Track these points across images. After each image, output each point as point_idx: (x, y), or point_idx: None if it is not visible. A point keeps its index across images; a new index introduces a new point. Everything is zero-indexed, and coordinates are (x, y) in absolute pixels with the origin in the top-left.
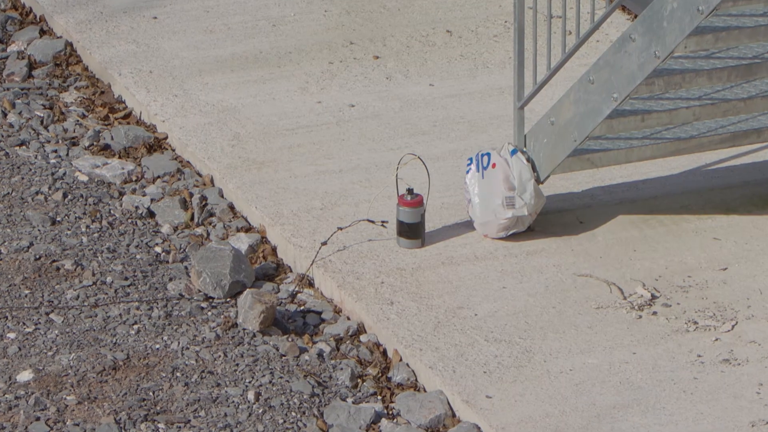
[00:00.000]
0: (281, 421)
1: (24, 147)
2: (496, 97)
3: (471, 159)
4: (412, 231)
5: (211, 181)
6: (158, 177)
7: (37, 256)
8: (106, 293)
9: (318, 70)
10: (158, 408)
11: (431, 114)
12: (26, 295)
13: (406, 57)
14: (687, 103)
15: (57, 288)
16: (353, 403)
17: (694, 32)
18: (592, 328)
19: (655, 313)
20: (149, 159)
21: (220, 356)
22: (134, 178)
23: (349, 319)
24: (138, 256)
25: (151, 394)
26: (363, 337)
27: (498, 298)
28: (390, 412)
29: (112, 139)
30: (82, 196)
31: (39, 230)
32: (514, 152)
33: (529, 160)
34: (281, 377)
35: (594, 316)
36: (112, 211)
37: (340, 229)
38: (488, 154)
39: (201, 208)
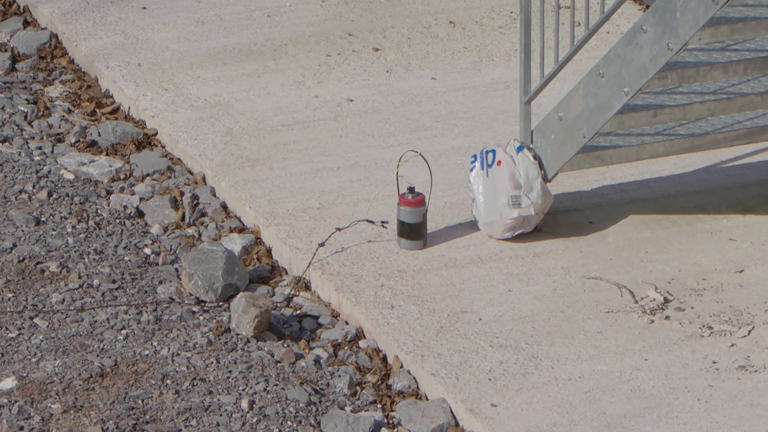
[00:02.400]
0: (276, 430)
1: (7, 143)
2: (501, 91)
3: (475, 156)
4: (413, 231)
5: (203, 179)
6: (147, 175)
7: (21, 258)
8: (93, 297)
9: (315, 63)
10: (147, 417)
11: (433, 109)
12: (9, 299)
13: (407, 49)
14: (701, 97)
15: (41, 291)
16: (352, 411)
17: (708, 23)
18: (602, 333)
19: (667, 317)
20: (138, 156)
21: (212, 363)
22: (122, 176)
23: (347, 323)
24: (126, 258)
25: (140, 402)
26: (362, 343)
27: (503, 301)
28: (390, 422)
29: (99, 135)
30: (67, 195)
31: (23, 231)
32: (520, 149)
33: (536, 157)
34: (276, 385)
35: (604, 320)
36: (99, 211)
37: (338, 229)
38: (493, 151)
39: (192, 207)
